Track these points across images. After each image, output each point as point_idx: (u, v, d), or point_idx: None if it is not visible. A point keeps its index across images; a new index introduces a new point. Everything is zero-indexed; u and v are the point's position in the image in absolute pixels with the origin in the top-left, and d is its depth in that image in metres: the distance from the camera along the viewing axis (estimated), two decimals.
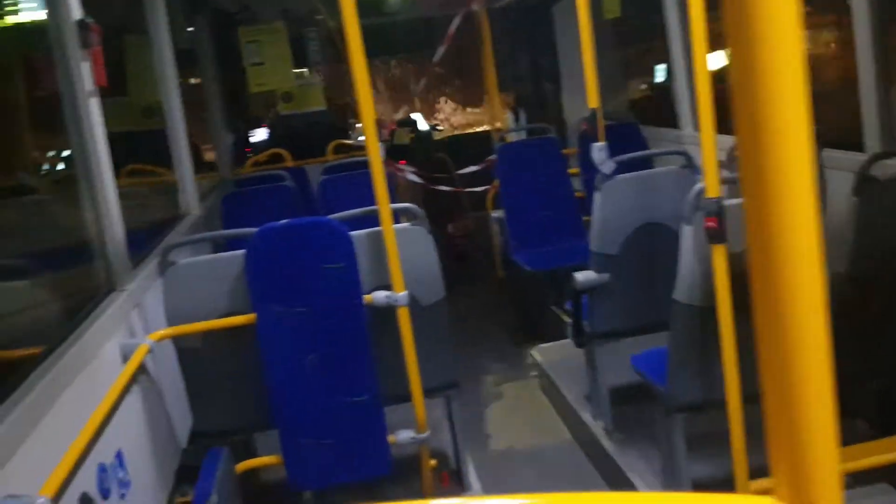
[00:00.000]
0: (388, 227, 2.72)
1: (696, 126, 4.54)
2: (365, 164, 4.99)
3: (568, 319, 4.74)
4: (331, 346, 2.73)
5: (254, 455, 3.15)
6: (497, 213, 5.29)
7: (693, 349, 2.56)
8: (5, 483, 1.59)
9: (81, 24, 2.50)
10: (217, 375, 2.85)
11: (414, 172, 6.02)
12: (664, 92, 7.41)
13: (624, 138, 4.72)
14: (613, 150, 4.67)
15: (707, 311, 2.44)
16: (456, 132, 9.72)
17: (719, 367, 2.37)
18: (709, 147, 2.03)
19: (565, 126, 6.26)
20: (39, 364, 1.97)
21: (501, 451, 3.97)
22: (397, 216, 2.96)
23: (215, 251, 4.02)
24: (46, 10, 2.46)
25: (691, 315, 2.50)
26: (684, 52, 4.48)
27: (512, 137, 5.86)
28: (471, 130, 9.67)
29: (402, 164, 5.80)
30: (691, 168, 3.24)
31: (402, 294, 2.74)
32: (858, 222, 2.67)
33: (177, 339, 2.79)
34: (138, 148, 4.74)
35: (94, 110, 2.58)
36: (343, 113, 7.55)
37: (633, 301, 3.30)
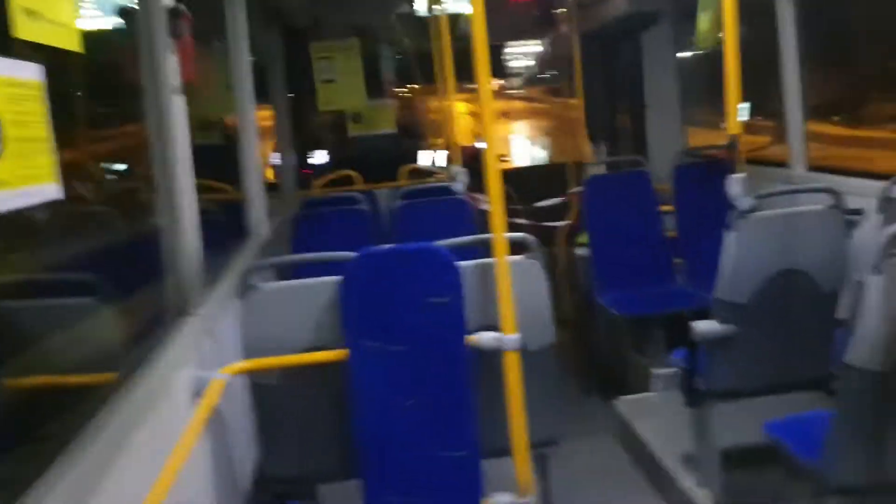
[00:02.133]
0: (503, 260, 2.38)
1: (807, 165, 4.21)
2: (443, 191, 4.75)
3: (657, 371, 4.36)
4: (429, 391, 2.38)
5: None
6: (581, 251, 4.91)
7: (866, 422, 2.16)
8: None
9: (173, 12, 2.22)
10: (295, 415, 2.52)
11: (488, 202, 5.70)
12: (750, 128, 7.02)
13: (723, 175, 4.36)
14: (711, 188, 4.29)
15: (890, 378, 2.05)
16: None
17: None
18: None
19: (647, 159, 5.90)
20: (107, 398, 1.65)
21: None
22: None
23: (280, 276, 3.71)
24: None
25: (869, 382, 2.10)
26: (801, 85, 4.10)
27: (593, 170, 5.50)
28: (539, 163, 9.35)
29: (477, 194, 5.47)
30: (838, 208, 2.85)
31: (512, 336, 2.38)
32: None
33: (252, 373, 2.47)
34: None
35: (177, 109, 2.29)
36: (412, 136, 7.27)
37: (762, 358, 2.91)
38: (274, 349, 2.42)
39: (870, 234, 2.87)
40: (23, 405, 1.58)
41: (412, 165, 6.00)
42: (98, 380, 1.79)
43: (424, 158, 7.03)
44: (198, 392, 2.15)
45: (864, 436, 2.20)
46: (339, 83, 5.80)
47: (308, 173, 7.03)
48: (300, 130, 6.74)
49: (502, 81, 9.88)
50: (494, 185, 2.38)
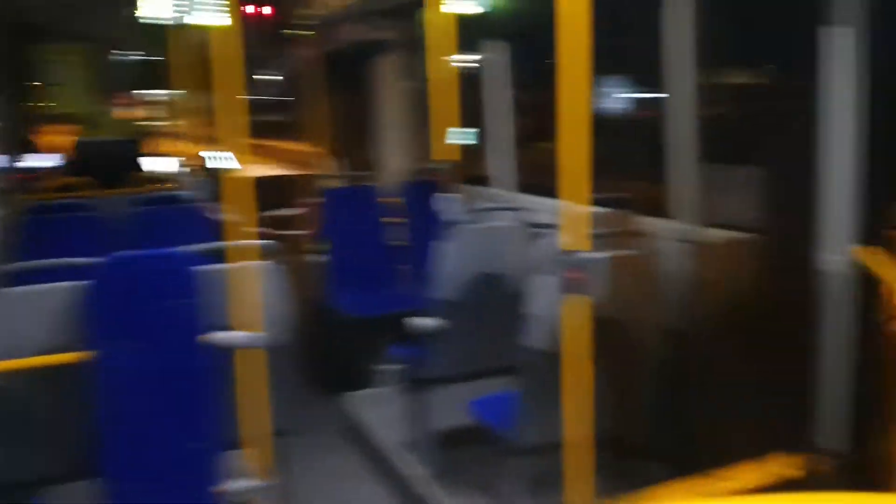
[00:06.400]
0: (240, 265, 2.62)
1: (510, 187, 4.86)
2: (176, 199, 4.82)
3: (380, 367, 4.77)
4: (170, 387, 2.56)
5: None
6: (314, 258, 5.22)
7: (540, 392, 2.68)
8: None
9: None
10: (26, 418, 2.56)
11: (221, 211, 5.83)
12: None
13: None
14: (429, 205, 4.78)
15: (553, 357, 2.58)
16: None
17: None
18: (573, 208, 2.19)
19: (380, 175, 6.34)
20: None
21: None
22: None
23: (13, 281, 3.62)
24: None
25: (540, 359, 2.62)
26: (505, 117, 4.74)
27: (330, 183, 5.87)
28: (273, 174, 9.49)
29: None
30: (526, 223, 3.44)
31: (246, 334, 2.63)
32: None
33: None
34: None
35: None
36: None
37: (468, 348, 3.40)
38: (7, 354, 2.46)
39: (548, 244, 3.48)
40: None
41: (147, 172, 5.97)
42: None
43: (158, 165, 6.95)
44: None
45: (539, 404, 2.72)
46: (67, 87, 5.65)
47: (30, 178, 6.67)
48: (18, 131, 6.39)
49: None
50: (241, 195, 2.60)
